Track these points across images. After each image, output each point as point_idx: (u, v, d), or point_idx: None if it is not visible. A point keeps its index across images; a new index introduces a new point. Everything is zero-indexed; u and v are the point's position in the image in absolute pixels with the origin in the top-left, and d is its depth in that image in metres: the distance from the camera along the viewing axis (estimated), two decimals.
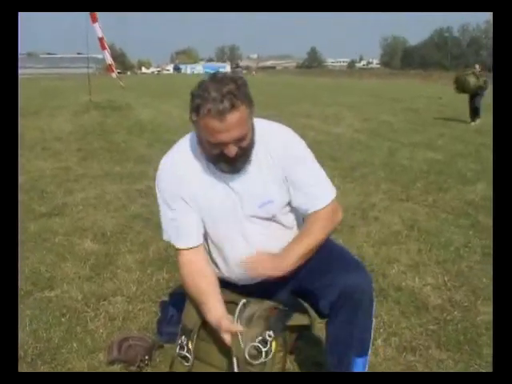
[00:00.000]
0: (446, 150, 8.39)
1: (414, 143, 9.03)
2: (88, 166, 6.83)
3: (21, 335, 2.47)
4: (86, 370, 2.23)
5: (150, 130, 10.29)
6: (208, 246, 1.96)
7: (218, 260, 1.97)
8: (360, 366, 1.87)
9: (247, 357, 1.71)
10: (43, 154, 7.64)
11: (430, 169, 6.82)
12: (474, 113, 12.53)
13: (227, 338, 1.71)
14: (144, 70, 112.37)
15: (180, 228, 1.88)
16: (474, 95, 12.49)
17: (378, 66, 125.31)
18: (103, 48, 15.26)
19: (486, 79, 12.30)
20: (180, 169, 1.85)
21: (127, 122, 11.67)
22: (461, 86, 12.42)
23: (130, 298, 2.94)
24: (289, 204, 1.90)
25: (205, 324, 1.86)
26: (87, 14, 14.31)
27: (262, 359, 1.72)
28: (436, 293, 3.07)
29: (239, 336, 1.72)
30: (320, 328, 2.52)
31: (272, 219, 1.89)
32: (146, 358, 2.28)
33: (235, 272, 1.95)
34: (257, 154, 1.80)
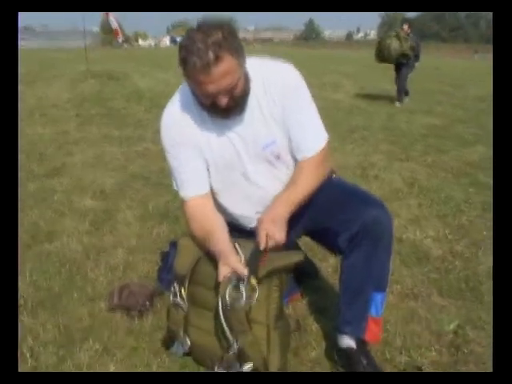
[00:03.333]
0: (445, 116, 8.31)
1: (413, 110, 8.93)
2: (86, 130, 6.71)
3: (21, 286, 2.45)
4: (86, 317, 2.21)
5: (148, 98, 10.08)
6: (215, 194, 1.94)
7: (226, 206, 1.95)
8: (378, 301, 1.81)
9: (227, 298, 1.67)
10: (41, 120, 7.47)
11: (429, 133, 6.76)
12: (399, 90, 9.65)
13: (224, 270, 1.69)
14: (141, 42, 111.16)
15: (185, 176, 1.87)
16: (399, 65, 9.41)
17: (376, 37, 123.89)
18: (117, 36, 15.19)
19: (415, 44, 9.21)
20: (180, 118, 1.83)
21: (125, 90, 11.42)
22: (381, 54, 9.16)
23: (130, 250, 2.91)
24: (289, 148, 1.86)
25: (196, 269, 1.85)
26: None
27: (243, 300, 1.67)
28: (437, 244, 3.04)
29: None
30: (325, 276, 2.58)
31: (277, 161, 1.86)
32: (147, 303, 2.26)
33: (243, 216, 1.94)
34: (256, 96, 1.76)
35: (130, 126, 7.03)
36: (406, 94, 9.86)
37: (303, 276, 2.48)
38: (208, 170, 1.87)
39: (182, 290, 1.85)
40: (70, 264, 2.72)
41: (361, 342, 1.86)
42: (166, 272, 2.44)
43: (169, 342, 1.96)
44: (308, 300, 2.36)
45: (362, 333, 1.83)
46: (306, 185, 1.81)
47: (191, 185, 1.86)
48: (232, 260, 1.69)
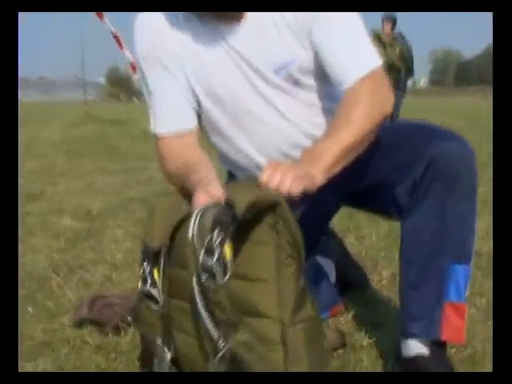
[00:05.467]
0: None
1: None
2: (76, 163, 6.68)
3: None
4: (39, 335, 1.96)
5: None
6: (209, 137, 1.71)
7: (228, 155, 1.70)
8: (460, 277, 1.47)
9: (202, 277, 1.28)
10: (25, 156, 7.48)
11: None
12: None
13: (200, 198, 1.33)
14: None
15: (160, 103, 1.62)
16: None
17: (426, 85, 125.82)
18: (121, 47, 14.94)
19: (406, 50, 7.59)
20: (159, 20, 1.57)
21: (130, 133, 11.60)
22: None
23: (115, 266, 2.71)
24: (314, 71, 1.58)
25: (176, 241, 1.45)
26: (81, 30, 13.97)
27: (218, 279, 1.27)
28: None
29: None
30: (378, 288, 2.37)
31: (294, 89, 1.58)
32: (129, 319, 1.97)
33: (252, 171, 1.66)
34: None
35: (132, 159, 6.99)
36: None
37: (348, 285, 2.21)
38: (196, 100, 1.61)
39: (155, 273, 1.49)
40: (32, 281, 2.49)
41: (436, 345, 1.50)
42: None
43: (147, 358, 1.57)
44: (355, 314, 2.06)
45: (436, 331, 1.48)
46: (356, 131, 1.45)
47: (168, 118, 1.62)
48: (213, 186, 1.35)
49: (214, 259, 1.24)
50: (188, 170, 1.49)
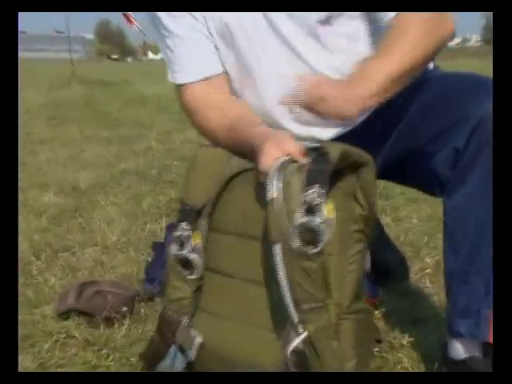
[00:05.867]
0: None
1: None
2: (61, 131, 6.77)
3: None
4: (19, 327, 1.91)
5: (154, 102, 10.25)
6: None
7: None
8: None
9: (297, 242, 1.27)
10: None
11: None
12: None
13: (272, 152, 1.32)
14: (151, 55, 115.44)
15: (183, 53, 1.65)
16: None
17: (479, 43, 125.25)
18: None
19: None
20: None
21: (123, 96, 11.63)
22: None
23: (107, 249, 2.74)
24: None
25: (224, 200, 1.48)
26: None
27: (320, 243, 1.26)
28: None
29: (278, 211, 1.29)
30: (419, 279, 2.36)
31: (324, 31, 1.55)
32: (124, 309, 2.01)
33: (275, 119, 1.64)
34: None
35: (126, 126, 7.07)
36: None
37: (385, 274, 2.19)
38: (215, 44, 1.63)
39: (196, 237, 1.48)
40: None
41: (486, 347, 1.49)
42: (159, 267, 2.24)
43: (155, 351, 1.58)
44: (393, 307, 2.07)
45: (485, 331, 1.46)
46: (413, 51, 1.44)
47: (198, 62, 1.64)
48: (286, 139, 1.36)
49: (320, 218, 1.23)
50: (237, 122, 1.53)
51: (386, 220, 2.91)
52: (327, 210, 1.28)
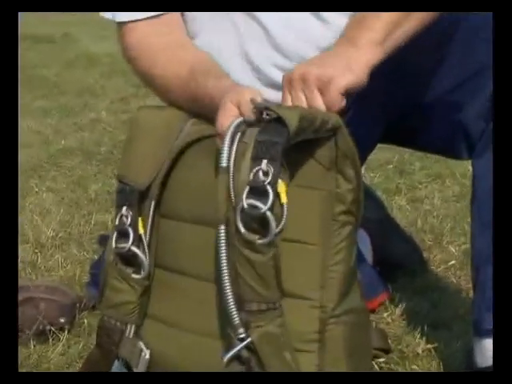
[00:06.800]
0: None
1: None
2: None
3: None
4: None
5: (105, 63, 10.24)
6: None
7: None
8: None
9: (241, 229, 1.28)
10: None
11: None
12: None
13: (231, 110, 1.34)
14: None
15: None
16: None
17: None
18: None
19: None
20: None
21: (65, 57, 11.69)
22: None
23: (42, 247, 2.79)
24: None
25: (173, 180, 1.50)
26: None
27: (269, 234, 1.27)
28: None
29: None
30: (435, 272, 2.51)
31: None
32: (62, 320, 2.08)
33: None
34: None
35: (68, 94, 7.26)
36: None
37: (393, 268, 2.32)
38: None
39: (140, 225, 1.48)
40: None
41: None
42: None
43: (95, 369, 1.59)
44: (405, 308, 2.16)
45: None
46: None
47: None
48: (248, 93, 1.35)
49: (269, 202, 1.23)
50: (196, 71, 1.52)
51: (400, 201, 2.95)
52: (280, 193, 1.27)
